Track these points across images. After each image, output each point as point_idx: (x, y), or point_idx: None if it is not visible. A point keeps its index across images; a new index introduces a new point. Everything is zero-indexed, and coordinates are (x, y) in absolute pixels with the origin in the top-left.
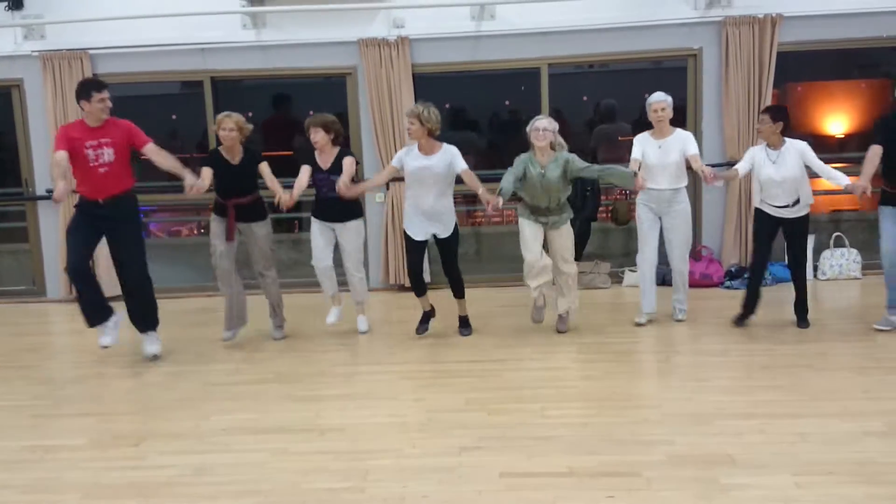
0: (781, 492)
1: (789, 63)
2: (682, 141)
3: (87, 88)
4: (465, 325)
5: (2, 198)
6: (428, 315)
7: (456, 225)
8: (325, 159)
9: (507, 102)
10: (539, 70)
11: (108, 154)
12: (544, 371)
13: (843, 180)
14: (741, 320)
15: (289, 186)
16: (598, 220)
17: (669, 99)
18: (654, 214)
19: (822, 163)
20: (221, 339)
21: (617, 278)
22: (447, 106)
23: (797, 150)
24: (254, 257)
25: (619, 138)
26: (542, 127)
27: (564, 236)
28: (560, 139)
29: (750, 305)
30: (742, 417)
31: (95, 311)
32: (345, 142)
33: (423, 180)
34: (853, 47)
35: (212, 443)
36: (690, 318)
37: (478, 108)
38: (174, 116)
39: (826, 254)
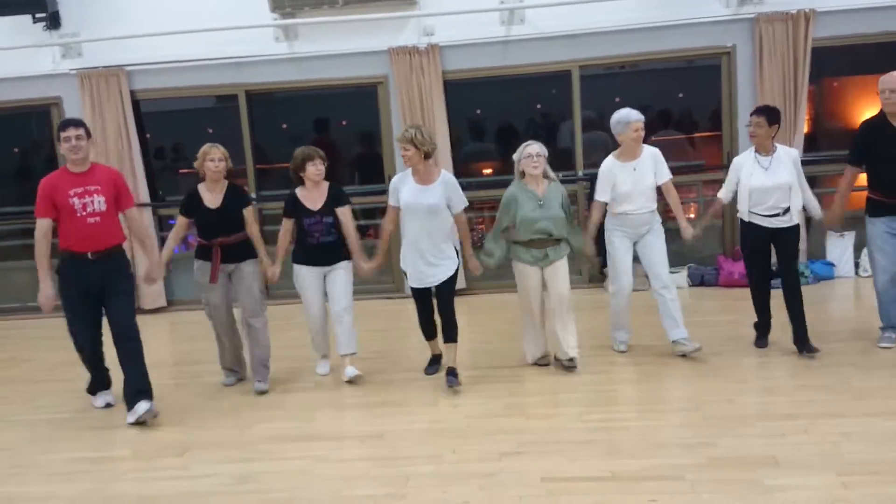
0: (826, 492)
1: (825, 58)
2: (654, 160)
3: (57, 132)
4: (453, 373)
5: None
6: (438, 357)
7: (458, 265)
8: (315, 198)
9: (538, 106)
10: (570, 73)
11: (98, 202)
12: (582, 375)
13: (817, 213)
14: (761, 342)
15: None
16: None
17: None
18: (629, 240)
19: (806, 183)
20: (222, 383)
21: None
22: (478, 112)
23: (791, 157)
24: (241, 301)
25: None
26: (536, 153)
27: (562, 274)
28: (550, 170)
29: (764, 327)
30: (785, 418)
31: (100, 383)
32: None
33: (419, 214)
34: (891, 40)
35: (255, 451)
36: (731, 319)
37: (509, 112)
38: (210, 130)
39: (866, 250)
